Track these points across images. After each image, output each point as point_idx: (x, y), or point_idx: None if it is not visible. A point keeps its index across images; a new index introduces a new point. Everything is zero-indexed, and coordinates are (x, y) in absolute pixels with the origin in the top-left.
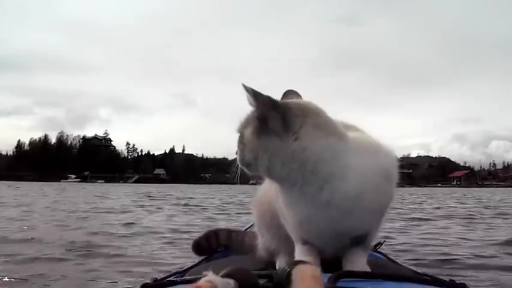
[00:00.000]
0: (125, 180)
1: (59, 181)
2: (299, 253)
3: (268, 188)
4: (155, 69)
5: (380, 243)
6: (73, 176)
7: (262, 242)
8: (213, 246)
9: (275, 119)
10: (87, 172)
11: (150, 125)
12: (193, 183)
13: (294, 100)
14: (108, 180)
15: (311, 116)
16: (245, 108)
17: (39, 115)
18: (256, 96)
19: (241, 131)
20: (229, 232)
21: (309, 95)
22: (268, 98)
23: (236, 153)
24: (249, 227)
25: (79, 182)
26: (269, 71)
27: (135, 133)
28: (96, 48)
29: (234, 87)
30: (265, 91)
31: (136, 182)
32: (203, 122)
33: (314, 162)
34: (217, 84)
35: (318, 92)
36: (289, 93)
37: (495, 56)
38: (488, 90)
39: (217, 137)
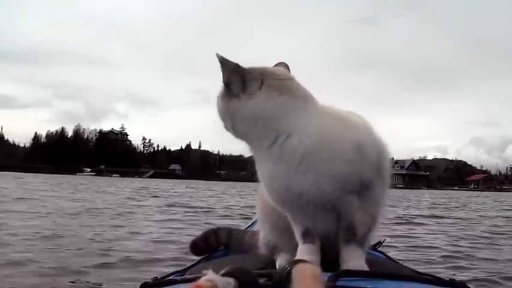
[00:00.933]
0: (140, 175)
1: (75, 174)
2: (300, 252)
3: None
4: (174, 65)
5: (380, 242)
6: (88, 170)
7: (263, 236)
8: (212, 245)
9: (236, 82)
10: (103, 166)
11: (167, 121)
12: (209, 180)
13: (261, 66)
14: (123, 174)
15: (269, 78)
16: None
17: (57, 108)
18: (222, 62)
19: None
20: (229, 231)
21: (327, 94)
22: (233, 64)
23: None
24: (249, 226)
25: (94, 175)
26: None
27: (151, 128)
28: (117, 44)
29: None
30: None
31: (151, 177)
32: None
33: (264, 118)
34: None
35: (337, 92)
36: (278, 65)
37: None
38: (507, 93)
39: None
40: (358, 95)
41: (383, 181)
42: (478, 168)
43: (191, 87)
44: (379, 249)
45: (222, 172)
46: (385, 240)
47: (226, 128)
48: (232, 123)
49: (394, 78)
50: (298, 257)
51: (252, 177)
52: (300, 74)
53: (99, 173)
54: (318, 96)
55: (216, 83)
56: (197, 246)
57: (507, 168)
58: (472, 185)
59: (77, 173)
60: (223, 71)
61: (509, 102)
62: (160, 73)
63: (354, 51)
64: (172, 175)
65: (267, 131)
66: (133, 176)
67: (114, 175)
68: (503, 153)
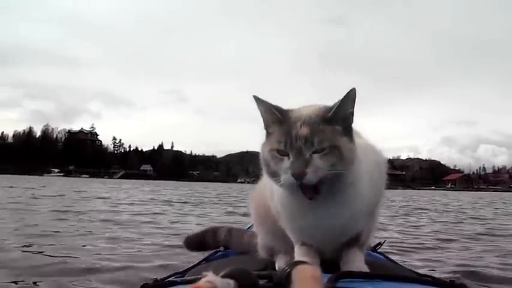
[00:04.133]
0: (110, 175)
1: (42, 175)
2: (298, 254)
3: (263, 186)
4: (147, 65)
5: (380, 244)
6: (56, 170)
7: (260, 239)
8: (209, 243)
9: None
10: (72, 166)
11: (140, 121)
12: (181, 180)
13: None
14: (93, 175)
15: None
16: (235, 105)
17: (27, 108)
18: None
19: None
20: (229, 230)
21: (294, 93)
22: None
23: None
24: (250, 227)
25: (62, 176)
26: (258, 68)
27: (124, 128)
28: (89, 44)
29: (225, 85)
30: (254, 88)
31: (122, 177)
32: (193, 119)
33: None
34: (209, 81)
35: (305, 91)
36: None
37: (485, 59)
38: (478, 94)
39: (207, 135)
40: (328, 94)
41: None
42: (452, 167)
43: (165, 87)
44: (379, 250)
45: (194, 172)
46: (384, 241)
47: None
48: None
49: (364, 78)
50: (296, 259)
51: (225, 177)
52: (270, 74)
53: (68, 173)
54: (288, 97)
55: (189, 84)
56: (190, 241)
57: (480, 167)
58: (450, 185)
59: (45, 174)
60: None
61: (481, 102)
62: (133, 73)
63: (323, 51)
64: (144, 176)
65: None
66: (104, 177)
67: (83, 176)
68: (475, 153)
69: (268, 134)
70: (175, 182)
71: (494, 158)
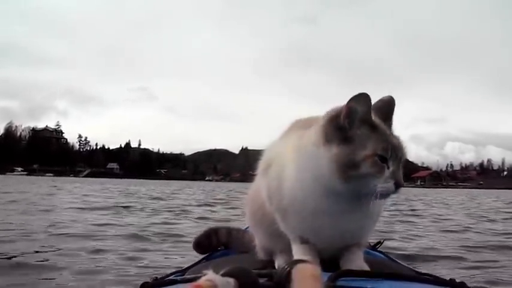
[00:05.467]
0: (75, 174)
1: (4, 174)
2: (297, 252)
3: (258, 187)
4: (116, 63)
5: (380, 242)
6: (19, 169)
7: (259, 241)
8: (213, 244)
9: None
10: (36, 165)
11: (108, 119)
12: (148, 179)
13: None
14: (58, 173)
15: None
16: (204, 103)
17: None
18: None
19: None
20: (229, 230)
21: (265, 92)
22: None
23: None
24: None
25: (26, 175)
26: (227, 66)
27: (92, 127)
28: (56, 40)
29: (194, 83)
30: (225, 88)
31: (87, 176)
32: (162, 117)
33: None
34: (177, 79)
35: (276, 90)
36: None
37: (451, 58)
38: (446, 92)
39: (175, 132)
40: (301, 93)
41: None
42: (419, 165)
43: (133, 85)
44: (379, 249)
45: (162, 171)
46: (384, 240)
47: None
48: None
49: (335, 77)
50: (296, 257)
51: (192, 176)
52: (239, 73)
53: (31, 172)
54: (261, 95)
55: (158, 81)
56: (200, 244)
57: (447, 165)
58: (419, 182)
59: (7, 173)
60: None
61: (449, 100)
62: (102, 71)
63: (295, 50)
64: (110, 174)
65: None
66: (69, 175)
67: (47, 174)
68: (443, 150)
69: (347, 137)
70: (142, 180)
71: (461, 155)
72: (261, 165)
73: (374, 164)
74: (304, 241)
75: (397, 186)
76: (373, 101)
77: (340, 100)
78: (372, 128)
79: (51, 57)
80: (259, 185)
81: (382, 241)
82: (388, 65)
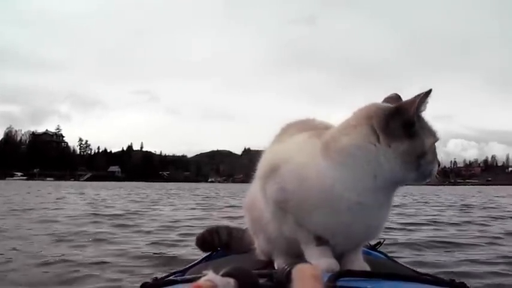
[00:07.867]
0: (76, 178)
1: (5, 179)
2: (313, 255)
3: (255, 193)
4: (118, 66)
5: (380, 243)
6: (19, 174)
7: (258, 246)
8: (215, 243)
9: None
10: (37, 169)
11: (110, 122)
12: (151, 181)
13: None
14: (58, 178)
15: None
16: (206, 105)
17: None
18: None
19: None
20: (229, 230)
21: (267, 93)
22: None
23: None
24: None
25: (26, 180)
26: (229, 68)
27: (94, 130)
28: (57, 44)
29: (195, 85)
30: (227, 89)
31: (88, 179)
32: (164, 120)
33: None
34: (178, 81)
35: (277, 89)
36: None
37: (451, 56)
38: (447, 90)
39: (177, 135)
40: (300, 93)
41: None
42: None
43: (135, 88)
44: (379, 249)
45: (164, 173)
46: (384, 240)
47: None
48: None
49: (334, 76)
50: (312, 260)
51: (195, 177)
52: (241, 74)
53: (31, 177)
54: (263, 96)
55: (160, 84)
56: (205, 242)
57: (451, 162)
58: None
59: (7, 178)
60: None
61: (449, 99)
62: (104, 74)
63: (295, 50)
64: (111, 177)
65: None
66: (70, 179)
67: (47, 179)
68: (445, 148)
69: (415, 131)
70: (144, 183)
71: (464, 152)
72: (263, 168)
73: (434, 150)
74: (320, 243)
75: (439, 165)
76: (380, 100)
77: (340, 100)
78: (423, 118)
79: (53, 61)
80: (259, 189)
81: (382, 241)
82: (388, 64)
